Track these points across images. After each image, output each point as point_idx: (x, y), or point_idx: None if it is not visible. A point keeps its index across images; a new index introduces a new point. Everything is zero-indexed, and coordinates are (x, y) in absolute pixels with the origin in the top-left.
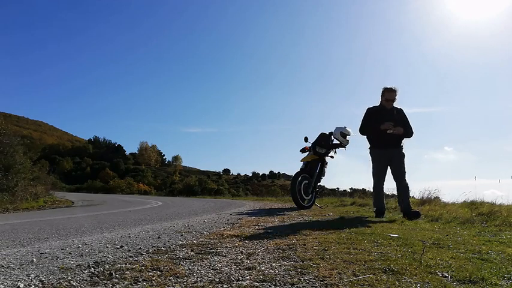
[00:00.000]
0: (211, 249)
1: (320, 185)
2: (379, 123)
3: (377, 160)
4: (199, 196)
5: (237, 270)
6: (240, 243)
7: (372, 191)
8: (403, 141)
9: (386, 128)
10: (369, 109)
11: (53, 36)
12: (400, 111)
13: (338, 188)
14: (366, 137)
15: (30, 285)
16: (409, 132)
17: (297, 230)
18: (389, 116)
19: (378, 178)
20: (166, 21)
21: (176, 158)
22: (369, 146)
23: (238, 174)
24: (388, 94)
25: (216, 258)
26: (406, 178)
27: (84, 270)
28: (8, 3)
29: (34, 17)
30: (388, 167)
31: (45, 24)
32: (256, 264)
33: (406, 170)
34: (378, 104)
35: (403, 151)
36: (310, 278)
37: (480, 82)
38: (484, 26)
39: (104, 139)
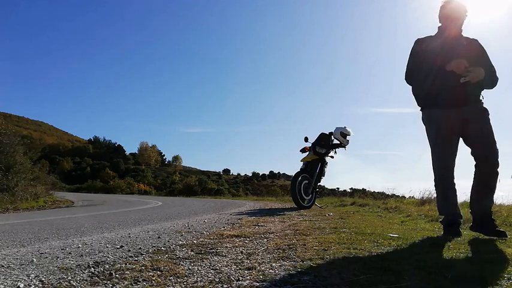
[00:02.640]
0: (211, 249)
1: (320, 185)
2: (440, 62)
3: (437, 129)
4: (199, 196)
5: (237, 270)
6: (240, 243)
7: (434, 186)
8: (481, 92)
9: (456, 69)
10: (419, 40)
11: (55, 41)
12: (473, 43)
13: (338, 188)
14: (414, 91)
15: (30, 285)
16: (492, 79)
17: (297, 229)
18: (457, 49)
19: (443, 160)
20: (166, 22)
21: (176, 158)
22: (419, 107)
23: (238, 174)
24: (449, 9)
25: (216, 258)
26: (498, 155)
27: (84, 270)
28: (14, 11)
29: (38, 23)
30: (460, 139)
31: (48, 29)
32: (256, 264)
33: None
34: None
35: (484, 107)
36: (310, 278)
37: None
38: (485, 28)
39: (104, 139)
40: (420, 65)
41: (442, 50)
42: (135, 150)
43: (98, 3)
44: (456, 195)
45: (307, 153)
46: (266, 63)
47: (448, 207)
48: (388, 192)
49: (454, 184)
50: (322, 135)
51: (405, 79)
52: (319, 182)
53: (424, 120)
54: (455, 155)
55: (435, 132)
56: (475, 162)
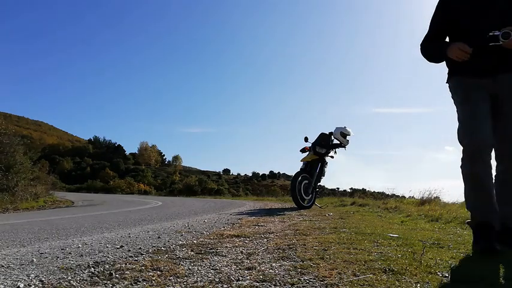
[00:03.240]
0: (211, 249)
1: (320, 185)
2: (470, 22)
3: (468, 96)
4: (199, 196)
5: (237, 270)
6: (240, 243)
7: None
8: None
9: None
10: None
11: (55, 42)
12: None
13: (338, 188)
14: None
15: (30, 285)
16: None
17: (297, 229)
18: (489, 4)
19: (472, 132)
20: (167, 23)
21: (176, 158)
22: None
23: (238, 174)
24: None
25: (216, 258)
26: None
27: (84, 270)
28: (17, 15)
29: (38, 26)
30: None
31: (48, 31)
32: (256, 264)
33: None
34: None
35: None
36: (310, 278)
37: None
38: None
39: (104, 139)
40: (445, 28)
41: (476, 3)
42: (135, 150)
43: (97, 6)
44: (491, 184)
45: (307, 153)
46: (267, 63)
47: (480, 201)
48: (388, 192)
49: (490, 167)
50: (322, 135)
51: (421, 50)
52: (319, 182)
53: (451, 90)
54: (491, 128)
55: (467, 101)
56: (496, 161)
